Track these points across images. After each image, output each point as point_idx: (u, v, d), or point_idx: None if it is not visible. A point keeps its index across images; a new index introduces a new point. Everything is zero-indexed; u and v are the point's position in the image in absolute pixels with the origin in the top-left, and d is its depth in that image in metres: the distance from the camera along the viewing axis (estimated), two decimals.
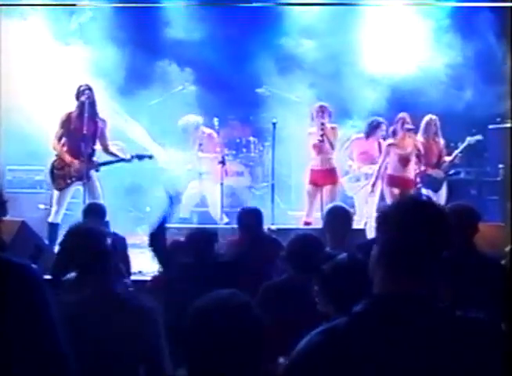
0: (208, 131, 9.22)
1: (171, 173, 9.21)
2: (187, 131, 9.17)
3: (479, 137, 8.81)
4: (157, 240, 5.16)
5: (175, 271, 4.90)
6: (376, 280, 1.90)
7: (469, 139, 8.79)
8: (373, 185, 8.58)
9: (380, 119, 9.04)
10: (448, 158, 8.82)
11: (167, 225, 5.38)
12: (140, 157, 8.31)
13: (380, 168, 8.60)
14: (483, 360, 1.77)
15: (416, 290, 1.84)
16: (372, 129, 8.94)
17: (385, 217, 1.97)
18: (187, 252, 4.99)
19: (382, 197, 8.64)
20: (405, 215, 1.92)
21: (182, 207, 8.68)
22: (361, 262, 3.30)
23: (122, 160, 8.25)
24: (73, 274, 4.31)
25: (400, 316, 1.80)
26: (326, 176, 8.40)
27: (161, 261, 5.14)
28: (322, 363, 1.77)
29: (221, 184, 8.73)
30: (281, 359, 2.81)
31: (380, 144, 8.93)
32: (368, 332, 1.78)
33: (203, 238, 5.00)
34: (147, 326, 3.07)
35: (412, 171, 8.56)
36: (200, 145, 9.09)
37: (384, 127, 8.92)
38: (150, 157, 8.42)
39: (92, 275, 3.24)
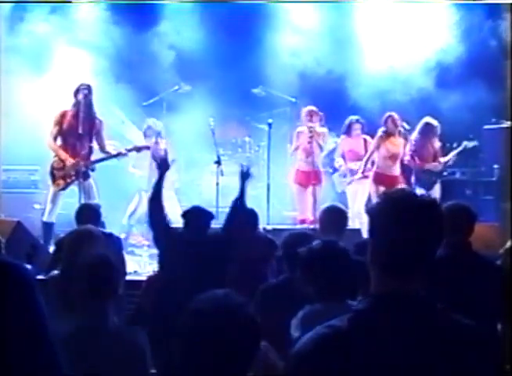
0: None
1: None
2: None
3: (475, 143, 8.86)
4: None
5: (171, 251, 4.87)
6: (372, 278, 1.89)
7: (465, 143, 8.83)
8: (363, 171, 8.81)
9: (355, 117, 9.22)
10: (443, 159, 8.85)
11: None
12: (138, 149, 8.40)
13: (370, 155, 8.80)
14: (479, 360, 1.78)
15: (411, 288, 1.84)
16: (347, 127, 9.18)
17: (375, 213, 1.93)
18: (183, 229, 4.98)
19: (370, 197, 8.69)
20: (395, 210, 1.86)
21: None
22: (336, 248, 3.42)
23: (119, 154, 8.24)
24: (55, 272, 4.30)
25: (396, 315, 1.81)
26: (310, 177, 8.58)
27: (157, 238, 5.09)
28: (327, 355, 1.77)
29: (217, 184, 8.74)
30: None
31: (365, 141, 9.14)
32: (368, 331, 1.80)
33: (199, 215, 5.00)
34: (137, 357, 3.22)
35: (398, 169, 8.76)
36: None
37: (357, 126, 9.13)
38: (148, 147, 8.52)
39: (95, 302, 3.28)
